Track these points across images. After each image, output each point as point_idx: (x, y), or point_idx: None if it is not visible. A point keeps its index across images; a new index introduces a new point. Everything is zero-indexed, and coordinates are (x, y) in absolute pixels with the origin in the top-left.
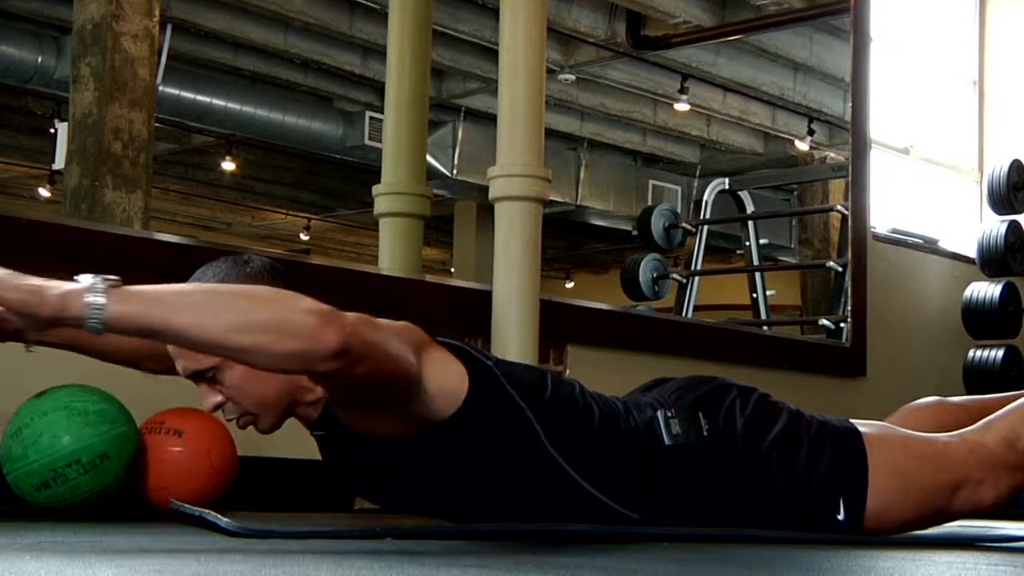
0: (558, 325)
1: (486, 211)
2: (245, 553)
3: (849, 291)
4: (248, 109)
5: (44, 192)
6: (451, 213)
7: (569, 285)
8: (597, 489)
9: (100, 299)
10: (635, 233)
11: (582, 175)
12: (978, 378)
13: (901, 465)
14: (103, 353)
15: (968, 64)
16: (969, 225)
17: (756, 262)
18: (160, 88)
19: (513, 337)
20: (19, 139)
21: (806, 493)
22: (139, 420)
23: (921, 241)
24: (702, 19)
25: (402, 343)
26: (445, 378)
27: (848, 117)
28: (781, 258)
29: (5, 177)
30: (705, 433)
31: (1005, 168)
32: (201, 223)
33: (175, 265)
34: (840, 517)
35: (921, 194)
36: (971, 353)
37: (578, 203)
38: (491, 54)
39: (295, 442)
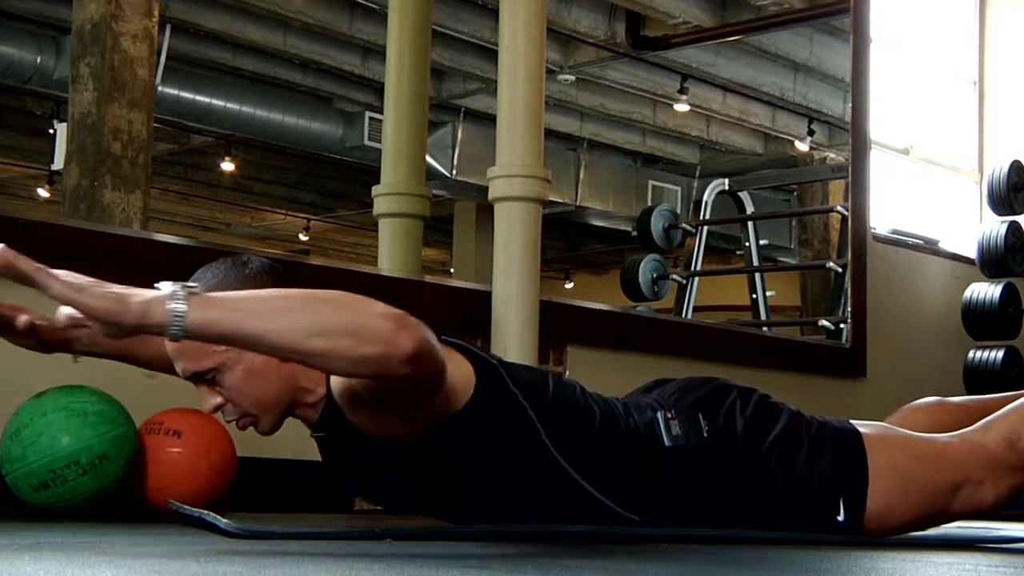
0: (558, 326)
1: (486, 211)
2: (244, 554)
3: (849, 292)
4: (247, 109)
5: (43, 192)
6: (451, 213)
7: (569, 286)
8: (597, 490)
9: (182, 307)
10: (635, 234)
11: (582, 175)
12: (978, 379)
13: (901, 466)
14: (153, 361)
15: (968, 64)
16: (969, 226)
17: (756, 263)
18: (159, 88)
19: (513, 338)
20: (18, 139)
21: (806, 494)
22: (138, 421)
23: (921, 242)
24: (702, 19)
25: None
26: (457, 377)
27: (848, 117)
28: (781, 259)
29: (4, 177)
30: (705, 434)
31: (1005, 169)
32: (200, 223)
33: (174, 266)
34: (840, 518)
35: (921, 195)
36: (971, 354)
37: (578, 203)
38: (491, 54)
39: (294, 443)
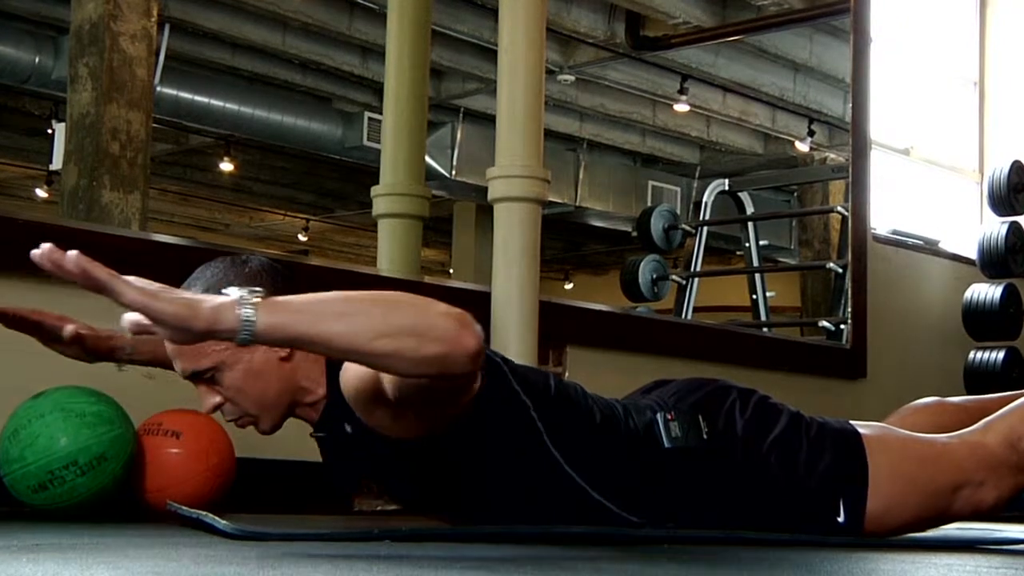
0: (557, 326)
1: (485, 212)
2: (242, 555)
3: (849, 292)
4: (246, 109)
5: (41, 192)
6: (450, 214)
7: (568, 286)
8: (597, 491)
9: (251, 311)
10: (634, 234)
11: (581, 176)
12: (979, 380)
13: (901, 467)
14: None
15: (968, 64)
16: (970, 226)
17: (756, 263)
18: (158, 88)
19: (512, 338)
20: (16, 139)
21: (806, 495)
22: (137, 422)
23: (921, 242)
24: (702, 19)
25: None
26: None
27: (848, 118)
28: (781, 259)
29: (2, 177)
30: (705, 435)
31: (1005, 169)
32: (199, 224)
33: (173, 266)
34: (840, 519)
35: (921, 195)
36: (972, 355)
37: (577, 204)
38: (490, 54)
39: (293, 444)
